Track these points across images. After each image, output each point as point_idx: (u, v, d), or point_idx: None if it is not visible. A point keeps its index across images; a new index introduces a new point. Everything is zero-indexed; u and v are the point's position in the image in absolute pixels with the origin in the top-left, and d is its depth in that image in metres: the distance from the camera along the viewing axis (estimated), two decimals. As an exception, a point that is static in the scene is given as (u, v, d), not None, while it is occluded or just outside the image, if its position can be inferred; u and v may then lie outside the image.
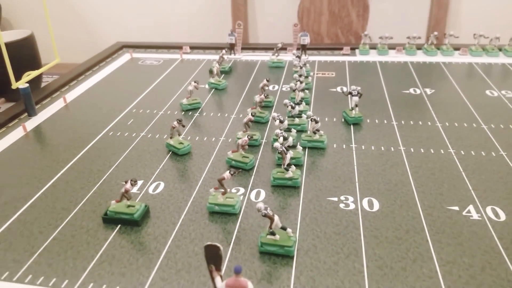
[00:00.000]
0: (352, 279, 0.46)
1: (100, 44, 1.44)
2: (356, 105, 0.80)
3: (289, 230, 0.50)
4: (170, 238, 0.53)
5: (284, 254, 0.49)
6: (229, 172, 0.56)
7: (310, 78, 0.96)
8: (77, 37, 1.60)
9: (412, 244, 0.51)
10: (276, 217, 0.49)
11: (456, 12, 1.32)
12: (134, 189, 0.62)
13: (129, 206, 0.56)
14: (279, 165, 0.65)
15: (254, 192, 0.61)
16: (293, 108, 0.76)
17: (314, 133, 0.72)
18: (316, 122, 0.71)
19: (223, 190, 0.57)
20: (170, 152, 0.71)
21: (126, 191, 0.54)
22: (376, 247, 0.50)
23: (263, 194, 0.61)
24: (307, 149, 0.71)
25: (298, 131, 0.75)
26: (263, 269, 0.48)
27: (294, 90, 0.86)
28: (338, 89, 0.88)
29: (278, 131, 0.71)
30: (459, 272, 0.47)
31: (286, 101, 0.77)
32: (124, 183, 0.55)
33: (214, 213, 0.57)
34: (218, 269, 0.38)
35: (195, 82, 0.88)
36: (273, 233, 0.49)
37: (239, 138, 0.70)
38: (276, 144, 0.63)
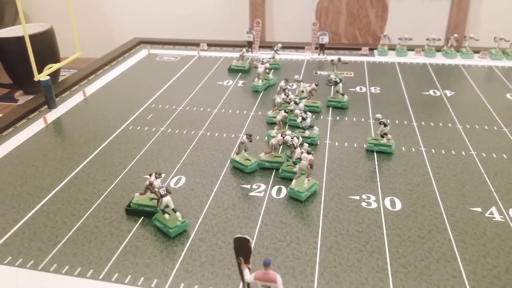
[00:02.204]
0: (376, 276, 0.46)
1: (117, 40, 1.45)
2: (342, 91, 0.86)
3: (178, 214, 0.53)
4: (193, 231, 0.53)
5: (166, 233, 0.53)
6: (287, 137, 0.63)
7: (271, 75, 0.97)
8: (94, 32, 1.62)
9: (435, 244, 0.50)
10: (166, 198, 0.52)
11: (476, 14, 1.31)
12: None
13: (152, 198, 0.56)
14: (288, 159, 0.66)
15: (275, 188, 0.61)
16: (304, 119, 0.72)
17: (382, 136, 0.70)
18: (385, 125, 0.69)
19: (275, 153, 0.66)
20: (192, 146, 0.72)
21: (150, 184, 0.55)
22: (399, 246, 0.50)
23: (283, 190, 0.61)
24: (327, 147, 0.71)
25: (309, 144, 0.70)
26: (286, 263, 0.48)
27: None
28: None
29: (297, 111, 0.72)
30: (483, 272, 0.46)
31: (297, 111, 0.73)
32: (149, 176, 0.56)
33: (236, 208, 0.57)
34: (247, 261, 0.38)
35: (262, 63, 0.93)
36: (164, 212, 0.53)
37: (272, 137, 0.69)
38: (287, 138, 0.63)
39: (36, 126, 0.80)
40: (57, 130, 0.79)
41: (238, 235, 0.38)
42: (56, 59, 1.06)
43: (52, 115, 0.84)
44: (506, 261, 0.48)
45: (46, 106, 0.87)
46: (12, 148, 0.73)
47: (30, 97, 0.92)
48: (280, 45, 1.09)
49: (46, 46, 1.03)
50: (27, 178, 0.65)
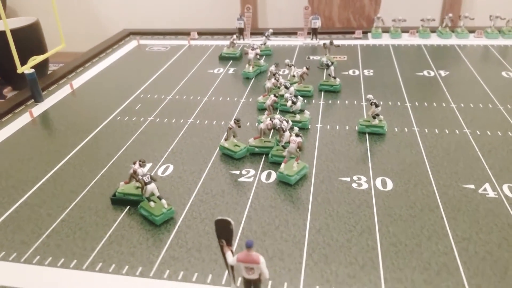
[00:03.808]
0: (366, 255, 0.45)
1: (106, 31, 1.43)
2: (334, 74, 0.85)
3: (163, 201, 0.51)
4: (180, 219, 0.52)
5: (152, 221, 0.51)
6: (275, 120, 0.62)
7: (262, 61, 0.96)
8: (82, 25, 1.60)
9: (426, 222, 0.49)
10: (150, 186, 0.51)
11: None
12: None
13: (137, 187, 0.55)
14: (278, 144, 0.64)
15: (264, 173, 0.60)
16: (294, 103, 0.71)
17: (374, 117, 0.68)
18: (377, 106, 0.68)
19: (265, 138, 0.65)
20: (180, 135, 0.70)
21: (135, 172, 0.54)
22: (390, 225, 0.49)
23: (273, 175, 0.59)
24: (319, 130, 0.70)
25: (300, 128, 0.67)
26: (274, 247, 0.47)
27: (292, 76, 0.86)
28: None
29: (287, 95, 0.71)
30: (475, 249, 0.45)
31: (287, 95, 0.72)
32: (133, 164, 0.55)
33: (225, 194, 0.56)
34: (229, 244, 0.37)
35: (252, 49, 0.91)
36: (148, 200, 0.52)
37: (261, 122, 0.68)
38: (275, 121, 0.62)
39: (22, 120, 0.79)
40: (44, 124, 0.78)
41: (219, 217, 0.37)
42: (43, 52, 1.05)
43: (38, 109, 0.83)
44: (499, 236, 0.47)
45: (32, 100, 0.86)
46: (-2, 143, 0.72)
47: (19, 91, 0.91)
48: (271, 30, 1.07)
49: (32, 40, 1.01)
50: (12, 172, 0.63)
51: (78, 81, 0.95)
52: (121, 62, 1.06)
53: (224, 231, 0.37)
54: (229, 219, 0.36)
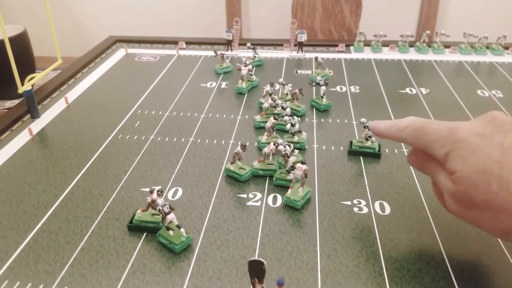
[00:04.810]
0: (374, 281, 0.50)
1: (89, 38, 1.42)
2: (324, 94, 0.88)
3: (182, 230, 0.54)
4: (197, 246, 0.55)
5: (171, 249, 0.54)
6: (280, 147, 0.65)
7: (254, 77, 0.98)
8: (64, 30, 1.57)
9: (424, 246, 0.55)
10: (170, 216, 0.54)
11: (446, 9, 1.36)
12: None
13: (153, 214, 0.58)
14: (281, 167, 0.68)
15: (270, 197, 0.64)
16: (293, 125, 0.74)
17: (366, 139, 0.73)
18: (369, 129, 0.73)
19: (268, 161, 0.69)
20: (184, 155, 0.73)
21: (153, 201, 0.56)
22: (392, 250, 0.54)
23: (279, 198, 0.63)
24: (315, 151, 0.74)
25: (298, 149, 0.74)
26: (290, 273, 0.51)
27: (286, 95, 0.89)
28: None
29: (286, 118, 0.75)
30: (469, 272, 0.51)
31: (286, 118, 0.75)
32: (150, 193, 0.57)
33: (236, 219, 0.59)
34: (261, 281, 0.41)
35: (245, 65, 0.94)
36: (167, 228, 0.55)
37: (263, 143, 0.72)
38: (280, 147, 0.66)
39: (21, 138, 0.79)
40: (44, 142, 0.78)
41: (253, 258, 0.40)
42: (31, 64, 1.04)
43: (36, 126, 0.83)
44: (488, 260, 0.53)
45: (28, 115, 0.86)
46: (1, 164, 0.72)
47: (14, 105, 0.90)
48: (249, 44, 1.11)
49: (19, 51, 1.00)
50: (21, 196, 0.64)
51: (72, 94, 0.95)
52: (112, 73, 1.07)
53: (256, 270, 0.41)
54: (262, 260, 0.40)
